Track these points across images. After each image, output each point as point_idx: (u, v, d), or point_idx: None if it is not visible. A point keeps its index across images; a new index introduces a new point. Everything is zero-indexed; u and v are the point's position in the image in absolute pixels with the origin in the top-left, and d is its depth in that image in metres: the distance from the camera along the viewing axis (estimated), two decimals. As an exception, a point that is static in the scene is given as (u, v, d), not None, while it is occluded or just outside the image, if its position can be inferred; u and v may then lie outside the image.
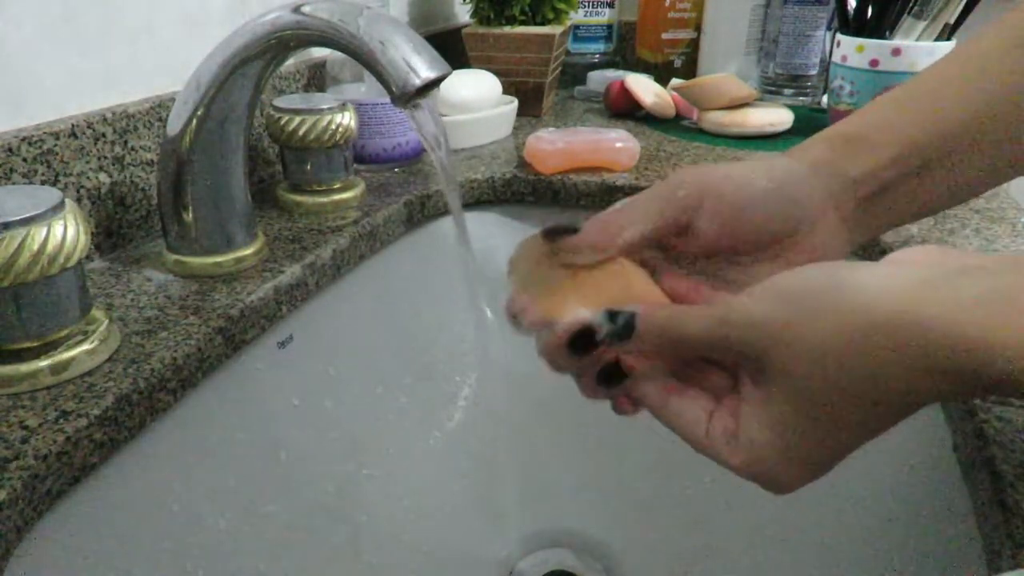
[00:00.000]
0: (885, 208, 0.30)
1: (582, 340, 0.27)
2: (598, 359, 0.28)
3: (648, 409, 0.28)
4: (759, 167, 0.30)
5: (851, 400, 0.23)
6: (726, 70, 1.00)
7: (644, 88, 0.89)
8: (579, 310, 0.27)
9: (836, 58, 0.77)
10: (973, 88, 0.30)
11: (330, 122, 0.57)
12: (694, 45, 1.07)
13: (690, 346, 0.26)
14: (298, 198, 0.59)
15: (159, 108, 0.53)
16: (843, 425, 0.24)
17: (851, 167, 0.30)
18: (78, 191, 0.48)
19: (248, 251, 0.49)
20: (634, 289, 0.29)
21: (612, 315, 0.27)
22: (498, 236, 0.70)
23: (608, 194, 0.67)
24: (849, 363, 0.22)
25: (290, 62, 0.70)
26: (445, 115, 0.77)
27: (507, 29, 0.87)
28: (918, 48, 0.71)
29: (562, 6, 0.89)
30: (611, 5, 1.11)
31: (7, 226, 0.33)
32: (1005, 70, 0.30)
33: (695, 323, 0.26)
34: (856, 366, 0.22)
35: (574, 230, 0.30)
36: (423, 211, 0.65)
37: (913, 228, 0.55)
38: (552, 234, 0.30)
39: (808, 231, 0.29)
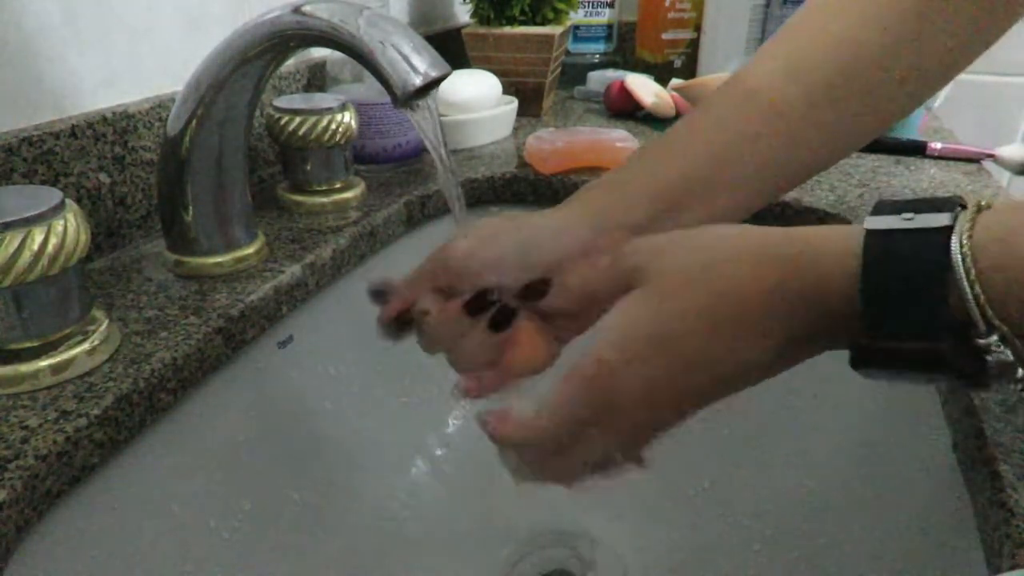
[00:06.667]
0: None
1: (478, 301, 0.33)
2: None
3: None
4: (517, 226, 0.36)
5: (705, 306, 0.27)
6: (726, 70, 1.00)
7: (644, 88, 0.89)
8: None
9: (836, 58, 0.77)
10: (708, 139, 0.37)
11: (330, 122, 0.57)
12: (694, 45, 1.07)
13: (596, 289, 0.31)
14: (298, 198, 0.59)
15: (159, 108, 0.53)
16: (692, 336, 0.27)
17: (614, 209, 0.36)
18: (78, 191, 0.48)
19: (248, 251, 0.49)
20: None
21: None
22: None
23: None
24: (707, 273, 0.27)
25: (290, 62, 0.70)
26: (445, 115, 0.77)
27: (507, 29, 0.87)
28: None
29: (562, 6, 0.89)
30: (611, 5, 1.11)
31: (7, 226, 0.33)
32: (735, 121, 0.37)
33: (600, 270, 0.31)
34: (714, 278, 0.27)
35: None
36: (423, 211, 0.65)
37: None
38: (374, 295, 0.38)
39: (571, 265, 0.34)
